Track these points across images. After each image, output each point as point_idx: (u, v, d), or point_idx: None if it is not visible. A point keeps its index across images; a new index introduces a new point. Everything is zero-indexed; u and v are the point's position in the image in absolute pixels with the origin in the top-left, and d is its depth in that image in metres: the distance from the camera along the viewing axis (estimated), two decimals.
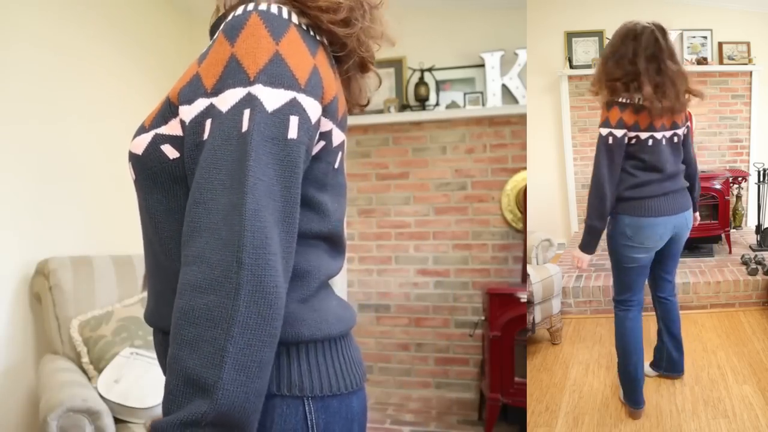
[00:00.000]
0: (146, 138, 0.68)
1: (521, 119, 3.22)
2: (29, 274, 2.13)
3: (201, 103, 0.62)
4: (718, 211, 3.25)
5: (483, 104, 3.28)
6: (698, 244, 3.32)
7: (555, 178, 3.82)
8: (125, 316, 2.12)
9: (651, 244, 1.87)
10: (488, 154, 3.31)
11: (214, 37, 0.67)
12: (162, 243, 0.69)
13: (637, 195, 1.84)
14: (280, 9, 0.65)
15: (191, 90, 0.64)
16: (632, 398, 1.99)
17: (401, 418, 3.15)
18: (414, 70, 3.36)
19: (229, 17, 0.65)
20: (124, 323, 2.09)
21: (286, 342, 0.65)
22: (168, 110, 0.67)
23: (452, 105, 3.33)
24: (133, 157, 0.69)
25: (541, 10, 3.52)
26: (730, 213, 3.42)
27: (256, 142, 0.58)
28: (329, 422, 0.68)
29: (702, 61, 3.64)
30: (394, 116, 3.34)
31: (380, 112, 3.35)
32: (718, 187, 3.26)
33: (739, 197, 3.61)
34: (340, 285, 3.39)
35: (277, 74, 0.61)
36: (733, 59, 3.67)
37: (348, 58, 0.76)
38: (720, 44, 3.67)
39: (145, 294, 2.34)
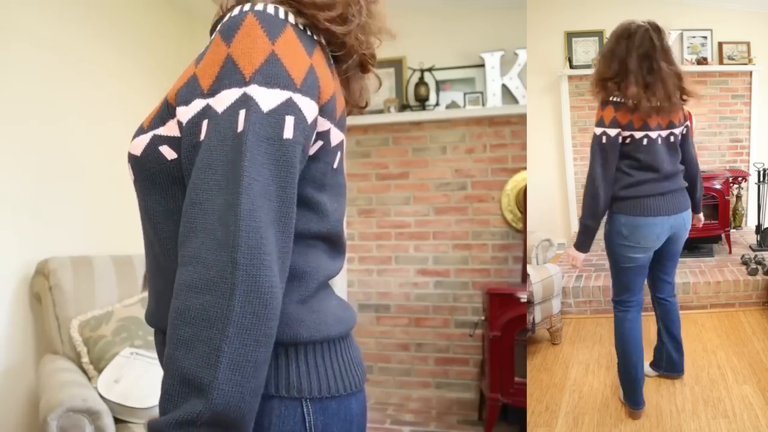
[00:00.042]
0: (144, 139, 0.68)
1: (521, 119, 3.22)
2: (29, 274, 2.13)
3: (198, 104, 0.63)
4: (718, 211, 3.25)
5: (483, 104, 3.28)
6: (698, 244, 3.32)
7: (555, 178, 3.82)
8: (125, 316, 2.12)
9: (647, 243, 1.87)
10: (488, 154, 3.31)
11: (212, 37, 0.67)
12: (161, 244, 0.69)
13: (633, 194, 1.84)
14: (276, 9, 0.65)
15: (188, 91, 0.64)
16: (632, 399, 1.99)
17: (401, 418, 3.15)
18: (414, 70, 3.36)
19: (226, 18, 0.65)
20: (124, 323, 2.09)
21: (285, 343, 0.65)
22: (166, 111, 0.67)
23: (452, 105, 3.33)
24: (132, 159, 0.70)
25: (541, 10, 3.52)
26: (730, 213, 3.42)
27: (251, 143, 0.58)
28: (327, 424, 0.68)
29: (702, 61, 3.64)
30: (394, 116, 3.34)
31: (380, 112, 3.35)
32: (718, 187, 3.26)
33: (739, 197, 3.61)
34: (340, 285, 3.39)
35: (272, 74, 0.61)
36: (733, 59, 3.67)
37: (348, 57, 0.75)
38: (720, 44, 3.67)
39: (145, 294, 2.34)
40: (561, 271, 2.79)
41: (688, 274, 2.99)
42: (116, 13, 2.67)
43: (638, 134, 1.82)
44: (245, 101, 0.60)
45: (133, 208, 0.74)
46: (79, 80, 2.42)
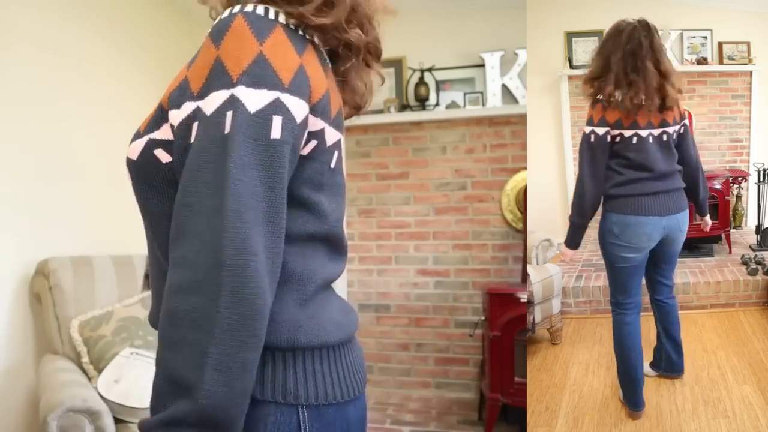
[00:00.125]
0: (140, 143, 0.69)
1: (521, 119, 3.22)
2: (29, 274, 2.13)
3: (188, 107, 0.63)
4: (718, 211, 3.25)
5: (483, 104, 3.28)
6: (698, 244, 3.32)
7: (555, 178, 3.82)
8: (125, 316, 2.12)
9: (639, 243, 1.85)
10: (488, 154, 3.31)
11: (203, 41, 0.67)
12: (161, 246, 0.70)
13: (624, 193, 1.84)
14: (266, 10, 0.65)
15: (180, 94, 0.65)
16: (632, 400, 1.99)
17: (401, 418, 3.15)
18: (414, 70, 3.36)
19: (216, 20, 0.65)
20: (124, 323, 2.09)
21: (282, 348, 0.65)
22: (160, 115, 0.68)
23: (452, 105, 3.33)
24: (130, 163, 0.71)
25: (541, 10, 3.52)
26: (730, 213, 3.43)
27: (237, 144, 0.59)
28: None
29: (702, 61, 3.64)
30: (394, 116, 3.34)
31: (380, 112, 3.35)
32: (718, 187, 3.26)
33: (739, 197, 3.61)
34: (340, 285, 3.39)
35: (259, 75, 0.61)
36: (733, 59, 3.67)
37: (348, 52, 0.75)
38: (720, 44, 3.67)
39: (145, 294, 2.34)
40: (561, 271, 2.79)
41: (688, 274, 2.99)
42: (116, 13, 2.67)
43: (628, 133, 1.82)
44: (232, 102, 0.60)
45: (133, 208, 0.74)
46: (79, 80, 2.42)
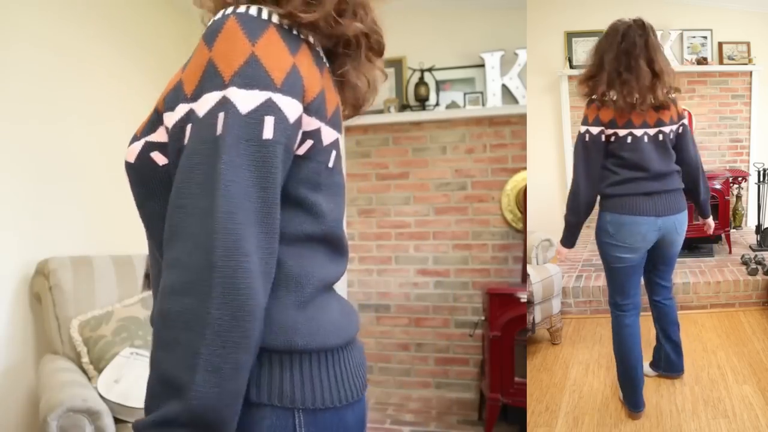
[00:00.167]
0: (138, 146, 0.69)
1: (521, 119, 3.22)
2: (29, 274, 2.13)
3: (182, 109, 0.63)
4: (718, 211, 3.25)
5: (483, 104, 3.28)
6: (698, 244, 3.32)
7: (555, 178, 3.82)
8: (125, 316, 2.12)
9: (633, 243, 1.84)
10: (488, 154, 3.31)
11: (198, 43, 0.68)
12: (159, 247, 0.70)
13: (618, 192, 1.84)
14: (259, 10, 0.65)
15: (174, 97, 0.65)
16: (632, 401, 1.99)
17: (401, 418, 3.15)
18: (414, 70, 3.36)
19: (210, 22, 0.65)
20: (124, 323, 2.09)
21: (279, 350, 0.65)
22: (155, 118, 0.68)
23: (452, 105, 3.33)
24: (128, 166, 0.71)
25: (541, 10, 3.52)
26: (730, 213, 3.43)
27: (229, 145, 0.59)
28: None
29: (702, 61, 3.64)
30: (394, 116, 3.34)
31: (380, 112, 3.35)
32: (718, 187, 3.26)
33: (739, 197, 3.61)
34: (340, 285, 3.39)
35: (251, 75, 0.61)
36: (733, 59, 3.67)
37: (346, 50, 0.74)
38: (720, 44, 3.67)
39: (145, 294, 2.34)
40: (561, 271, 2.79)
41: (688, 274, 2.99)
42: (116, 13, 2.67)
43: (622, 132, 1.81)
44: (224, 104, 0.60)
45: (133, 208, 0.75)
46: (79, 80, 2.42)
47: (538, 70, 3.58)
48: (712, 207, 3.23)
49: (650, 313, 2.15)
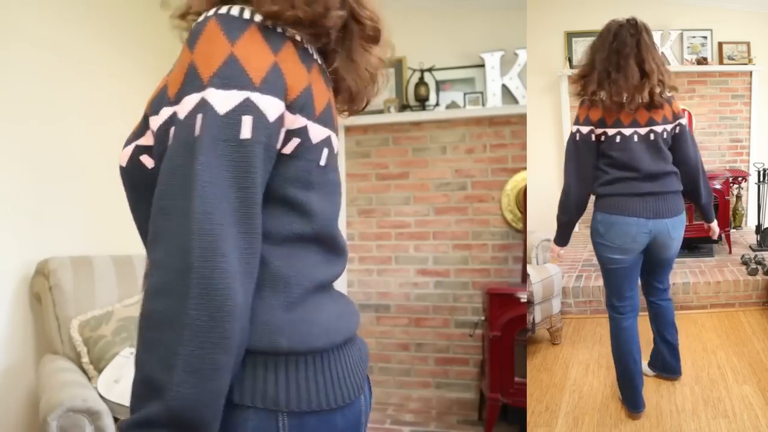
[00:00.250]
0: (129, 150, 0.70)
1: (521, 119, 3.22)
2: (29, 274, 2.12)
3: (166, 112, 0.64)
4: (718, 211, 3.25)
5: (483, 104, 3.28)
6: (698, 244, 3.32)
7: (555, 178, 3.81)
8: (125, 316, 2.12)
9: (623, 244, 1.82)
10: (488, 154, 3.31)
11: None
12: None
13: (609, 192, 1.84)
14: (241, 10, 0.65)
15: (159, 100, 0.66)
16: (632, 402, 1.98)
17: (401, 418, 3.15)
18: (414, 70, 3.36)
19: (193, 25, 0.66)
20: (124, 323, 2.09)
21: (264, 352, 0.64)
22: (144, 122, 0.69)
23: (452, 105, 3.33)
24: (121, 169, 0.72)
25: (541, 10, 3.52)
26: (730, 213, 3.43)
27: (206, 146, 0.59)
28: None
29: (702, 61, 3.64)
30: (394, 116, 3.34)
31: (380, 112, 3.35)
32: (718, 187, 3.26)
33: (739, 197, 3.61)
34: (339, 285, 3.39)
35: (229, 76, 0.61)
36: (733, 59, 3.67)
37: (338, 46, 0.74)
38: (720, 44, 3.67)
39: None
40: (561, 271, 2.79)
41: (688, 274, 2.99)
42: (116, 13, 2.67)
43: (611, 131, 1.81)
44: (203, 105, 0.60)
45: None
46: (79, 80, 2.41)
47: (538, 70, 3.58)
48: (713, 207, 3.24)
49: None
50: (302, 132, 0.68)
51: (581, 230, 3.53)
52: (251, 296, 0.62)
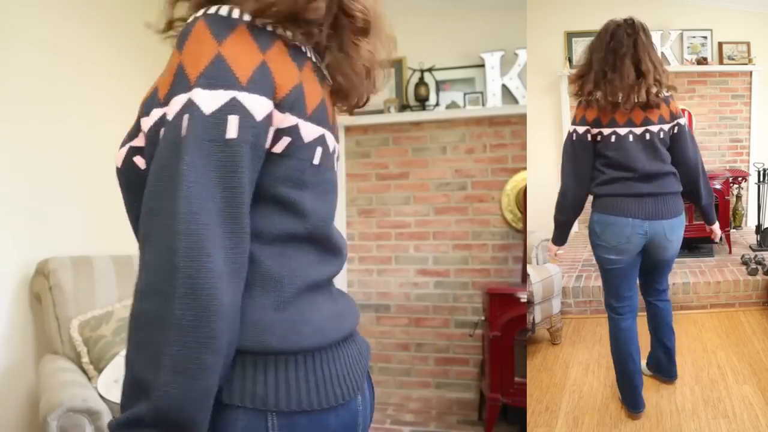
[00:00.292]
0: (123, 151, 0.71)
1: (521, 119, 3.22)
2: (29, 274, 2.12)
3: (156, 114, 0.64)
4: (718, 211, 3.25)
5: (483, 104, 3.28)
6: (698, 244, 3.32)
7: (555, 178, 3.79)
8: (125, 316, 2.12)
9: (618, 245, 1.81)
10: (488, 154, 3.31)
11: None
12: None
13: (604, 192, 1.84)
14: (230, 10, 0.65)
15: (150, 102, 0.66)
16: (631, 402, 1.98)
17: (401, 418, 3.15)
18: (414, 70, 3.36)
19: (183, 27, 0.66)
20: (124, 323, 2.08)
21: (251, 351, 0.64)
22: (137, 123, 0.70)
23: (452, 105, 3.33)
24: (117, 170, 0.73)
25: (541, 10, 3.52)
26: (730, 213, 3.43)
27: (192, 146, 0.59)
28: None
29: (702, 61, 3.64)
30: (394, 116, 3.34)
31: (380, 112, 3.35)
32: (718, 187, 3.26)
33: (739, 197, 3.61)
34: (339, 286, 3.39)
35: (215, 75, 0.61)
36: (733, 59, 3.67)
37: (333, 36, 0.73)
38: (720, 44, 3.67)
39: None
40: (561, 271, 2.79)
41: (688, 274, 2.99)
42: (116, 13, 2.67)
43: (606, 131, 1.81)
44: (189, 106, 0.60)
45: None
46: (79, 80, 2.42)
47: (538, 70, 3.58)
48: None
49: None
50: (293, 131, 0.68)
51: (581, 230, 3.53)
52: (240, 295, 0.62)
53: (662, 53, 3.56)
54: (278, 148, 0.67)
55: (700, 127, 3.70)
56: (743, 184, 3.59)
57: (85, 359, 2.01)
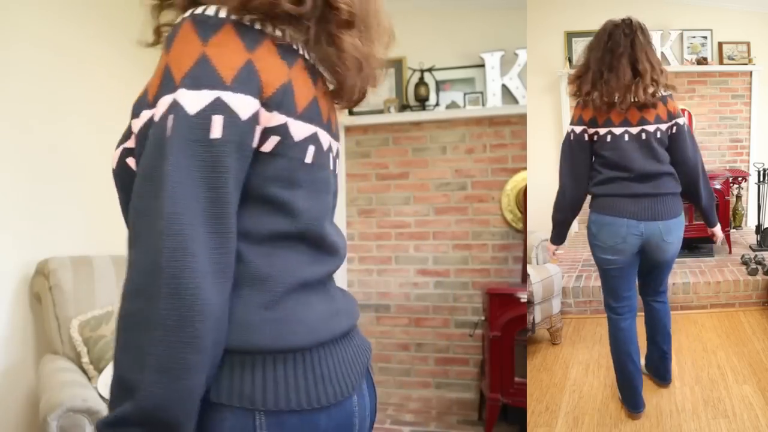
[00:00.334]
0: (117, 153, 0.72)
1: (521, 119, 3.22)
2: (29, 274, 2.12)
3: (145, 115, 0.64)
4: (718, 211, 3.25)
5: (483, 104, 3.28)
6: (698, 244, 3.32)
7: (555, 178, 3.79)
8: None
9: (614, 245, 1.80)
10: (488, 154, 3.31)
11: None
12: None
13: (601, 192, 1.84)
14: (217, 9, 0.64)
15: (140, 104, 0.67)
16: (631, 402, 1.98)
17: (401, 418, 3.15)
18: (414, 70, 3.36)
19: (170, 29, 0.66)
20: None
21: (239, 350, 0.64)
22: (129, 125, 0.70)
23: (452, 105, 3.33)
24: (113, 172, 0.73)
25: (541, 10, 3.52)
26: (730, 213, 3.43)
27: (176, 147, 0.59)
28: None
29: (702, 61, 3.64)
30: (394, 116, 3.34)
31: (380, 112, 3.35)
32: (718, 187, 3.26)
33: (739, 197, 3.61)
34: (339, 285, 3.38)
35: (199, 76, 0.61)
36: (733, 59, 3.67)
37: (321, 31, 0.71)
38: (720, 44, 3.67)
39: None
40: (561, 271, 2.79)
41: (688, 274, 2.99)
42: (116, 13, 2.67)
43: (602, 130, 1.81)
44: (174, 106, 0.60)
45: None
46: (79, 80, 2.42)
47: (538, 70, 3.58)
48: None
49: None
50: (282, 129, 0.67)
51: (581, 230, 3.53)
52: (227, 295, 0.62)
53: (662, 53, 3.56)
54: (267, 147, 0.67)
55: (700, 127, 3.70)
56: (743, 184, 3.59)
57: (85, 359, 2.01)
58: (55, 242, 2.23)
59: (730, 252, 3.30)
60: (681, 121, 1.82)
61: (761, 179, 3.46)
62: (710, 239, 2.13)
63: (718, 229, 2.01)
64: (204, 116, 0.60)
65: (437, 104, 3.35)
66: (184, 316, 0.57)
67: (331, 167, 0.78)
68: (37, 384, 1.91)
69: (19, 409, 2.07)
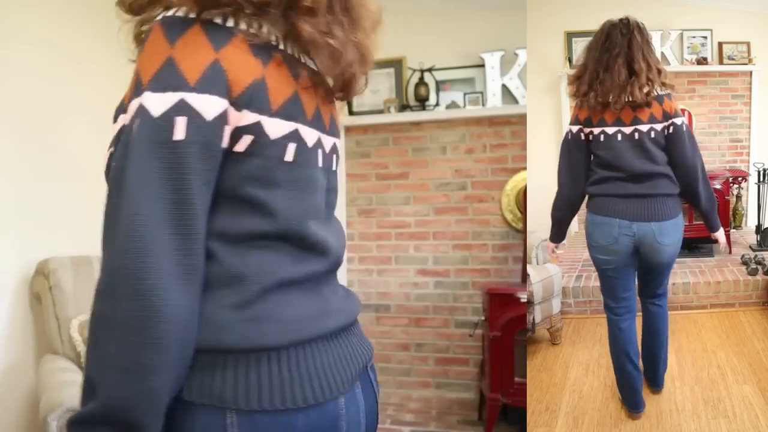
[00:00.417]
0: (106, 156, 0.72)
1: (521, 119, 3.22)
2: (29, 274, 2.13)
3: (120, 120, 0.66)
4: (717, 211, 3.25)
5: (483, 104, 3.28)
6: (698, 244, 3.32)
7: (555, 178, 3.81)
8: None
9: (608, 245, 1.79)
10: (488, 154, 3.31)
11: None
12: None
13: (595, 192, 1.85)
14: (188, 10, 0.64)
15: (118, 109, 0.68)
16: (631, 403, 1.98)
17: (401, 418, 3.15)
18: (414, 70, 3.36)
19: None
20: None
21: (209, 350, 0.64)
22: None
23: (452, 105, 3.33)
24: (104, 174, 0.73)
25: (541, 10, 3.52)
26: (730, 213, 3.43)
27: (140, 149, 0.60)
28: None
29: (702, 61, 3.64)
30: (394, 116, 3.34)
31: (380, 112, 3.35)
32: (718, 187, 3.26)
33: (739, 197, 3.61)
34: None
35: (164, 78, 0.61)
36: (733, 59, 3.67)
37: (293, 28, 0.70)
38: (720, 44, 3.67)
39: None
40: (561, 271, 2.79)
41: (688, 274, 2.99)
42: (116, 13, 2.67)
43: (596, 130, 1.82)
44: (140, 110, 0.61)
45: None
46: (79, 80, 2.42)
47: (538, 70, 3.58)
48: None
49: None
50: (254, 128, 0.66)
51: (581, 230, 3.53)
52: (195, 296, 0.62)
53: (662, 53, 3.56)
54: (240, 146, 0.66)
55: (700, 127, 3.70)
56: (743, 184, 3.59)
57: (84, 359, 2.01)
58: (55, 242, 2.23)
59: (730, 252, 3.30)
60: (678, 120, 1.77)
61: (761, 179, 3.46)
62: (710, 238, 2.07)
63: (720, 234, 1.95)
64: (167, 118, 0.60)
65: (437, 104, 3.35)
66: (148, 317, 0.57)
67: (321, 164, 0.76)
68: (37, 384, 1.91)
69: (19, 409, 2.07)
